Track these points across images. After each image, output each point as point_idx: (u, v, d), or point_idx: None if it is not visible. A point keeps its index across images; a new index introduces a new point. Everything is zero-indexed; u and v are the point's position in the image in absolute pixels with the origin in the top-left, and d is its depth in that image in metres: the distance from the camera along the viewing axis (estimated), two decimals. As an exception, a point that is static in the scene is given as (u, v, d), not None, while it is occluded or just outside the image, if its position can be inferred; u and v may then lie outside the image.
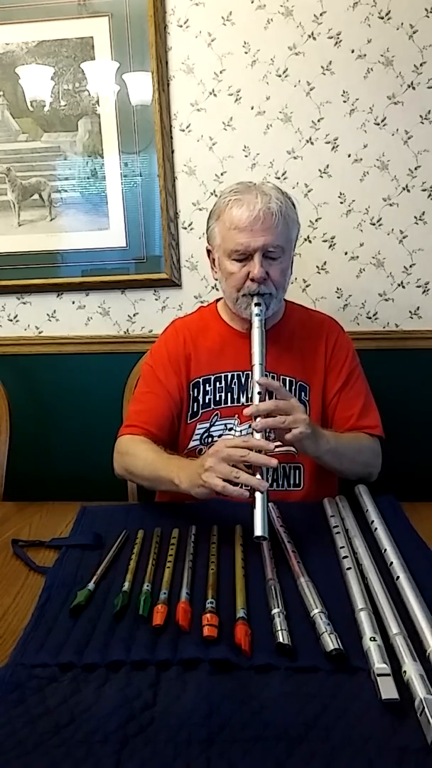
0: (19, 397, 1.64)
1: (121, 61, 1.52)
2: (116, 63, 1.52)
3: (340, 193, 1.56)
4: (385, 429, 1.23)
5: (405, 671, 0.65)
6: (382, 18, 1.46)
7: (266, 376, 1.05)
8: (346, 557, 0.90)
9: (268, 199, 1.09)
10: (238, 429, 1.20)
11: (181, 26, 1.50)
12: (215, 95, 1.53)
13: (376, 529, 0.99)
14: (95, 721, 0.61)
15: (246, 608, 0.78)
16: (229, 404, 1.21)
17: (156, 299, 1.67)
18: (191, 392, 1.22)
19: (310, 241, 1.59)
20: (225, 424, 1.21)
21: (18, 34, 1.53)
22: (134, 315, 1.68)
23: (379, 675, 0.64)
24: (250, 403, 1.00)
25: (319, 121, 1.52)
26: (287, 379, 1.22)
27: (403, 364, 1.63)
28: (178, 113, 1.55)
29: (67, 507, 1.15)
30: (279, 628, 0.73)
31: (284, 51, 1.49)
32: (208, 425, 1.21)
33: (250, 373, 1.16)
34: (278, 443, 1.00)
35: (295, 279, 1.60)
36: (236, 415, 1.20)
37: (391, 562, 0.88)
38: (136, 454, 1.13)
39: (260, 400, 0.99)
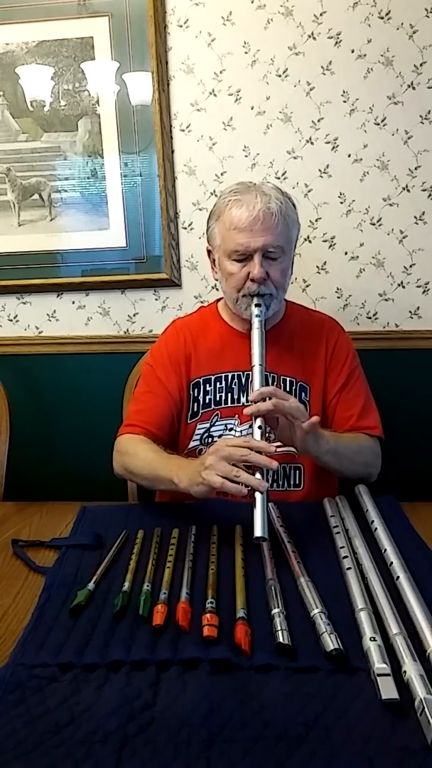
0: (19, 397, 1.64)
1: (121, 61, 1.52)
2: (116, 63, 1.52)
3: (340, 193, 1.56)
4: (385, 429, 1.23)
5: (405, 671, 0.65)
6: (382, 18, 1.46)
7: (266, 376, 1.05)
8: (346, 557, 0.90)
9: (268, 200, 1.09)
10: (238, 429, 1.20)
11: (181, 26, 1.50)
12: (215, 95, 1.53)
13: (376, 529, 0.99)
14: (95, 721, 0.61)
15: (246, 608, 0.78)
16: (229, 404, 1.21)
17: (156, 299, 1.67)
18: (191, 392, 1.22)
19: (310, 241, 1.59)
20: (225, 425, 1.21)
21: (18, 34, 1.53)
22: (134, 315, 1.68)
23: (379, 675, 0.64)
24: (250, 403, 1.00)
25: (319, 121, 1.53)
26: (287, 379, 1.22)
27: (403, 364, 1.63)
28: (178, 113, 1.55)
29: (67, 507, 1.15)
30: (279, 628, 0.73)
31: (284, 51, 1.49)
32: (208, 425, 1.21)
33: (250, 372, 1.16)
34: (278, 444, 1.00)
35: (295, 279, 1.60)
36: (236, 416, 1.20)
37: (391, 562, 0.88)
38: (136, 454, 1.13)
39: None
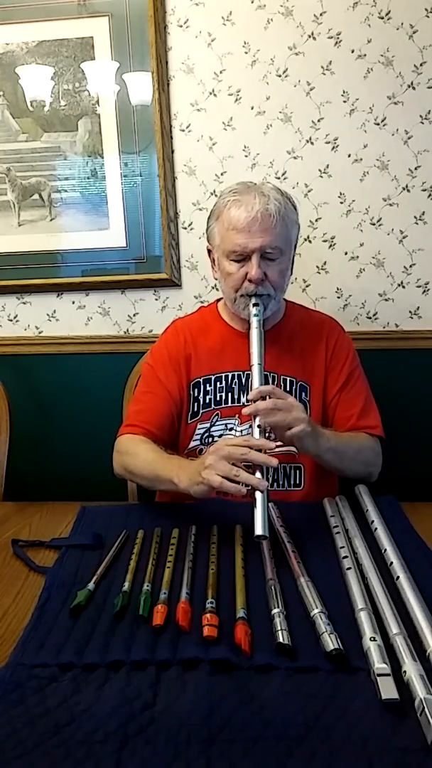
0: (19, 397, 1.64)
1: (121, 61, 1.52)
2: (116, 63, 1.52)
3: (340, 193, 1.56)
4: (385, 429, 1.23)
5: (405, 671, 0.65)
6: (382, 18, 1.46)
7: (265, 376, 1.05)
8: (346, 557, 0.90)
9: (267, 200, 1.09)
10: (238, 429, 1.20)
11: (181, 26, 1.50)
12: (215, 95, 1.53)
13: (376, 529, 0.99)
14: (95, 721, 0.61)
15: (246, 608, 0.78)
16: (229, 404, 1.21)
17: (156, 299, 1.67)
18: (191, 392, 1.22)
19: (310, 241, 1.59)
20: (225, 424, 1.21)
21: (18, 34, 1.53)
22: (134, 315, 1.68)
23: (379, 675, 0.64)
24: (250, 402, 1.00)
25: (319, 121, 1.52)
26: (287, 379, 1.22)
27: (403, 364, 1.63)
28: (178, 113, 1.55)
29: (67, 507, 1.15)
30: (279, 628, 0.73)
31: (284, 51, 1.49)
32: (208, 425, 1.21)
33: (250, 373, 1.16)
34: (278, 443, 1.00)
35: (295, 279, 1.60)
36: (237, 415, 1.20)
37: (391, 562, 0.88)
38: (136, 454, 1.13)
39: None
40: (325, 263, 1.61)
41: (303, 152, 1.54)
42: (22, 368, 1.72)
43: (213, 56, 1.51)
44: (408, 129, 1.51)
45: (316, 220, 1.58)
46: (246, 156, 1.56)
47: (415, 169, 1.53)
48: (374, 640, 0.69)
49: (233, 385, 1.21)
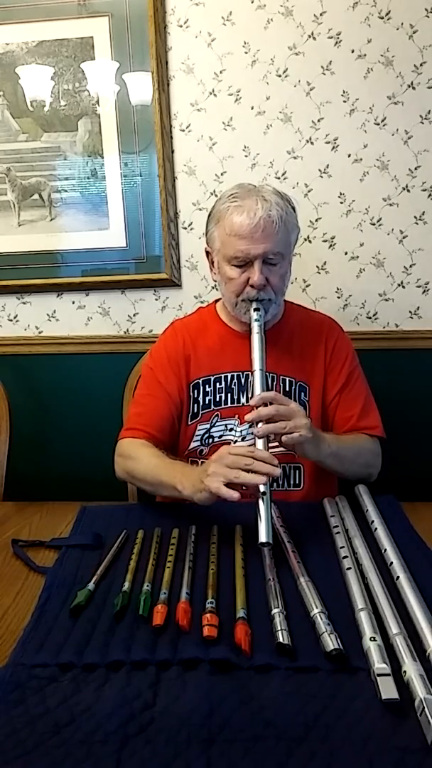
0: (19, 397, 1.64)
1: (121, 61, 1.52)
2: (116, 63, 1.52)
3: (340, 193, 1.56)
4: (385, 429, 1.23)
5: (405, 671, 0.65)
6: (382, 18, 1.46)
7: (266, 378, 1.05)
8: (346, 557, 0.90)
9: (269, 206, 1.09)
10: (238, 429, 1.20)
11: (181, 26, 1.50)
12: (215, 95, 1.53)
13: (376, 529, 0.99)
14: (95, 721, 0.61)
15: (246, 608, 0.78)
16: (229, 405, 1.21)
17: (156, 299, 1.67)
18: (191, 393, 1.22)
19: (310, 241, 1.59)
20: (225, 425, 1.21)
21: (18, 34, 1.53)
22: (134, 315, 1.68)
23: (379, 675, 0.64)
24: (251, 407, 1.00)
25: (319, 121, 1.52)
26: (287, 379, 1.22)
27: (403, 364, 1.63)
28: (178, 113, 1.55)
29: (67, 507, 1.15)
30: (279, 628, 0.73)
31: (284, 51, 1.49)
32: (208, 426, 1.21)
33: (249, 374, 1.16)
34: (281, 450, 1.00)
35: (295, 279, 1.60)
36: (236, 416, 1.20)
37: (391, 562, 0.88)
38: (138, 459, 1.13)
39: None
40: (325, 263, 1.61)
41: (303, 152, 1.54)
42: (22, 368, 1.72)
43: (213, 56, 1.51)
44: (408, 129, 1.51)
45: (316, 220, 1.58)
46: (246, 156, 1.56)
47: (415, 169, 1.53)
48: (374, 640, 0.69)
49: (233, 386, 1.21)
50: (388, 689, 0.62)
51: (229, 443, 1.19)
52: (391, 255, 1.59)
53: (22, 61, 1.55)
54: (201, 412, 1.22)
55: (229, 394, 1.21)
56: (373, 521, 1.01)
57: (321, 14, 1.47)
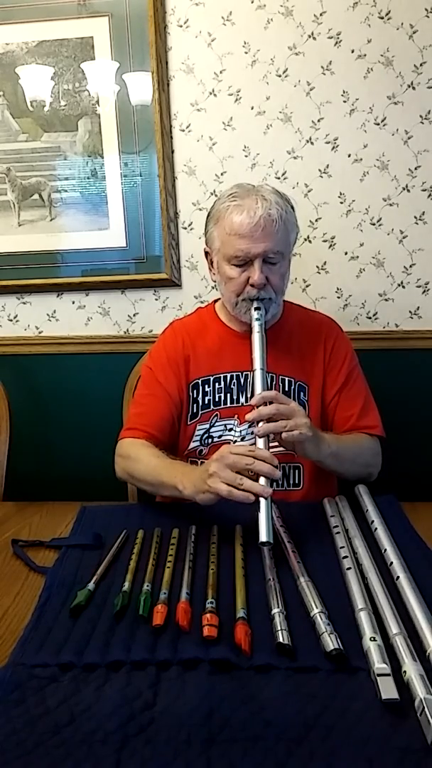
0: (19, 397, 1.64)
1: (121, 61, 1.52)
2: (116, 63, 1.52)
3: (340, 193, 1.56)
4: (385, 429, 1.23)
5: (405, 671, 0.65)
6: (382, 18, 1.46)
7: (267, 377, 1.05)
8: (346, 557, 0.90)
9: (269, 205, 1.09)
10: (237, 429, 1.20)
11: (181, 26, 1.50)
12: (215, 95, 1.53)
13: (376, 529, 0.99)
14: (95, 721, 0.61)
15: (246, 608, 0.78)
16: (228, 405, 1.21)
17: (156, 299, 1.67)
18: (190, 393, 1.22)
19: (310, 241, 1.59)
20: (225, 425, 1.21)
21: (18, 34, 1.53)
22: (134, 315, 1.68)
23: (379, 675, 0.64)
24: (251, 407, 1.00)
25: (319, 121, 1.52)
26: (286, 379, 1.22)
27: (403, 364, 1.63)
28: (178, 113, 1.55)
29: (67, 507, 1.15)
30: (279, 628, 0.73)
31: (284, 51, 1.49)
32: (207, 426, 1.21)
33: (249, 373, 1.16)
34: (281, 450, 1.00)
35: (295, 279, 1.60)
36: (236, 416, 1.20)
37: (391, 562, 0.88)
38: (139, 459, 1.13)
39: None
40: (325, 263, 1.61)
41: (303, 152, 1.54)
42: (22, 368, 1.72)
43: (213, 56, 1.51)
44: (408, 129, 1.51)
45: (316, 220, 1.58)
46: (246, 156, 1.56)
47: (415, 169, 1.53)
48: (374, 640, 0.69)
49: (232, 386, 1.21)
50: (388, 689, 0.62)
51: (228, 443, 1.19)
52: (391, 255, 1.59)
53: (22, 61, 1.55)
54: (200, 412, 1.22)
55: (228, 394, 1.21)
56: (373, 521, 1.01)
57: (321, 14, 1.47)
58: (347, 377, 1.23)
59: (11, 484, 1.45)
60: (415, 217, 1.56)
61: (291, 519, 1.04)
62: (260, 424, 0.97)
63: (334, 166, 1.55)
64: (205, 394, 1.22)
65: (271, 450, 0.96)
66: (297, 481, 1.21)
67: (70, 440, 1.76)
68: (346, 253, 1.60)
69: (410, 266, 1.59)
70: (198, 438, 1.22)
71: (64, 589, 0.85)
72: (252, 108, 1.53)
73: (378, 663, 0.66)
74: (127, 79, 1.53)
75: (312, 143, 1.54)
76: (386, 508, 1.06)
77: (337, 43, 1.48)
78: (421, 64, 1.48)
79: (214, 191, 1.57)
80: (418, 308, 1.62)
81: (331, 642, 0.69)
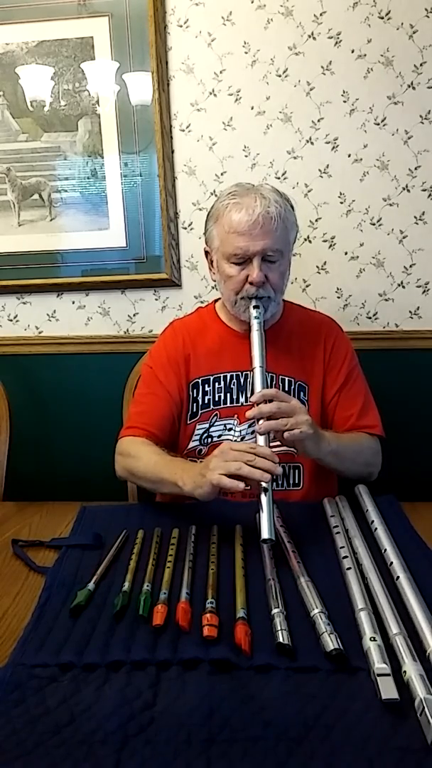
0: (19, 397, 1.64)
1: (121, 61, 1.52)
2: (116, 63, 1.52)
3: (340, 193, 1.56)
4: (385, 429, 1.23)
5: (405, 671, 0.65)
6: (382, 18, 1.46)
7: (266, 377, 1.05)
8: (346, 557, 0.90)
9: (268, 203, 1.09)
10: (237, 429, 1.20)
11: (181, 26, 1.50)
12: (215, 95, 1.53)
13: (376, 529, 0.99)
14: (95, 721, 0.61)
15: (246, 608, 0.78)
16: (228, 404, 1.21)
17: (156, 299, 1.67)
18: (190, 393, 1.22)
19: (310, 241, 1.59)
20: (224, 425, 1.21)
21: (18, 34, 1.53)
22: (134, 315, 1.68)
23: (379, 675, 0.64)
24: (250, 403, 1.00)
25: (319, 121, 1.52)
26: (286, 378, 1.22)
27: (403, 364, 1.63)
28: (178, 113, 1.55)
29: (67, 507, 1.15)
30: (279, 628, 0.73)
31: (284, 51, 1.49)
32: (207, 426, 1.21)
33: (249, 373, 1.16)
34: (282, 449, 1.00)
35: (295, 279, 1.60)
36: (236, 415, 1.20)
37: (391, 562, 0.88)
38: (139, 456, 1.13)
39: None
40: (325, 263, 1.61)
41: (303, 152, 1.54)
42: (22, 368, 1.72)
43: (213, 56, 1.51)
44: (408, 129, 1.51)
45: (316, 220, 1.58)
46: (246, 156, 1.56)
47: (415, 169, 1.53)
48: (374, 640, 0.69)
49: (232, 386, 1.21)
50: (388, 689, 0.62)
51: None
52: (391, 255, 1.59)
53: (22, 61, 1.55)
54: (200, 412, 1.22)
55: (228, 394, 1.21)
56: (373, 521, 1.01)
57: (321, 14, 1.47)
58: (347, 377, 1.23)
59: (11, 484, 1.45)
60: (415, 217, 1.56)
61: (291, 519, 1.04)
62: (261, 421, 0.97)
63: (334, 166, 1.55)
64: (204, 393, 1.22)
65: (272, 448, 0.96)
66: (297, 481, 1.21)
67: (70, 440, 1.76)
68: (346, 253, 1.60)
69: (410, 266, 1.59)
70: (197, 437, 1.22)
71: (64, 589, 0.85)
72: (252, 108, 1.53)
73: (378, 663, 0.66)
74: (127, 79, 1.53)
75: (312, 143, 1.54)
76: (386, 508, 1.06)
77: (337, 43, 1.48)
78: (421, 64, 1.48)
79: (214, 191, 1.57)
80: (418, 308, 1.62)
81: (331, 642, 0.69)
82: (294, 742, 0.58)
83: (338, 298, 1.62)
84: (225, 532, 0.99)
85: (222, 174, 1.57)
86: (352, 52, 1.48)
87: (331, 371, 1.24)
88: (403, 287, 1.61)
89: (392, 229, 1.57)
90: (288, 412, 0.97)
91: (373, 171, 1.54)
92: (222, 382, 1.22)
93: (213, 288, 1.63)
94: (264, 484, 0.90)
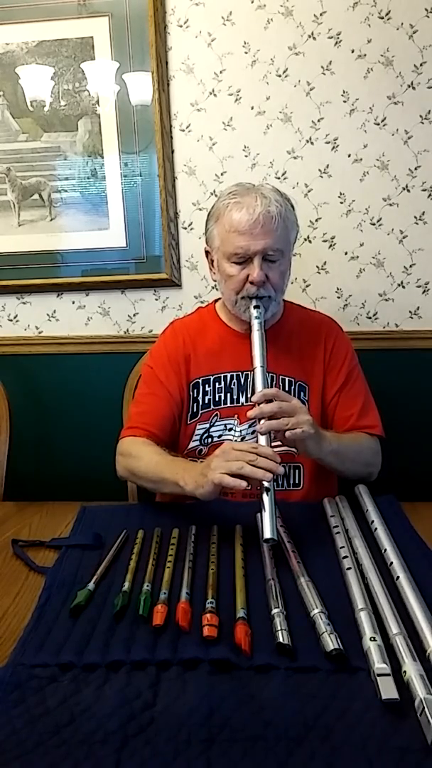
0: (19, 397, 1.64)
1: (121, 61, 1.52)
2: (116, 63, 1.52)
3: (340, 193, 1.56)
4: (385, 429, 1.23)
5: (405, 671, 0.65)
6: (382, 18, 1.46)
7: (267, 376, 1.05)
8: (346, 557, 0.90)
9: (268, 203, 1.09)
10: (237, 429, 1.20)
11: (181, 26, 1.50)
12: (215, 95, 1.53)
13: (376, 529, 0.99)
14: (95, 721, 0.61)
15: (246, 608, 0.78)
16: (228, 404, 1.21)
17: (156, 299, 1.67)
18: (191, 393, 1.22)
19: (310, 241, 1.59)
20: (225, 425, 1.21)
21: (18, 34, 1.53)
22: (134, 315, 1.68)
23: (379, 675, 0.64)
24: (250, 403, 1.00)
25: (319, 121, 1.52)
26: (286, 378, 1.22)
27: (403, 364, 1.63)
28: (178, 113, 1.55)
29: (67, 507, 1.15)
30: (279, 628, 0.73)
31: (284, 51, 1.49)
32: (207, 426, 1.21)
33: (249, 373, 1.16)
34: (283, 449, 1.00)
35: (295, 279, 1.60)
36: (236, 415, 1.20)
37: (391, 562, 0.88)
38: (140, 456, 1.13)
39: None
40: (325, 263, 1.61)
41: (303, 152, 1.54)
42: (22, 368, 1.72)
43: (213, 56, 1.51)
44: (408, 129, 1.51)
45: (316, 220, 1.58)
46: (246, 156, 1.56)
47: (415, 169, 1.53)
48: (374, 640, 0.69)
49: (232, 386, 1.21)
50: (388, 689, 0.62)
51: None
52: (391, 255, 1.59)
53: (22, 61, 1.55)
54: (200, 412, 1.22)
55: (228, 394, 1.21)
56: (373, 521, 1.01)
57: (321, 14, 1.47)
58: (347, 377, 1.23)
59: (11, 484, 1.44)
60: (415, 217, 1.56)
61: (291, 519, 1.04)
62: (262, 421, 0.97)
63: (334, 166, 1.55)
64: (205, 393, 1.22)
65: (273, 448, 0.96)
66: (297, 481, 1.21)
67: (70, 440, 1.76)
68: (346, 253, 1.60)
69: (410, 266, 1.59)
70: (198, 437, 1.22)
71: (64, 589, 0.85)
72: (252, 108, 1.53)
73: (378, 663, 0.66)
74: (127, 79, 1.53)
75: (312, 143, 1.54)
76: (386, 508, 1.06)
77: (337, 43, 1.48)
78: (421, 64, 1.48)
79: (214, 191, 1.57)
80: (418, 308, 1.62)
81: (331, 642, 0.69)
82: (294, 742, 0.58)
83: (338, 298, 1.62)
84: (225, 532, 0.99)
85: (222, 174, 1.57)
86: (352, 52, 1.48)
87: (332, 371, 1.24)
88: (403, 287, 1.61)
89: (392, 229, 1.57)
90: (289, 411, 0.97)
91: (373, 171, 1.54)
92: (222, 382, 1.22)
93: (213, 288, 1.63)
94: (266, 484, 0.90)
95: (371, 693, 0.63)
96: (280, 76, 1.51)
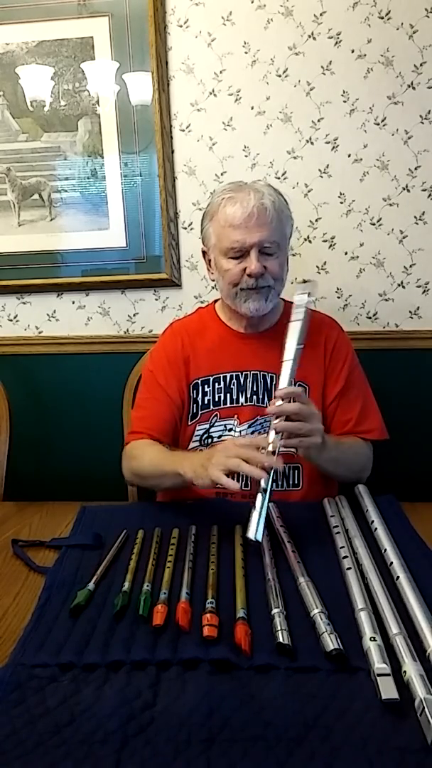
0: (19, 397, 1.64)
1: (121, 61, 1.52)
2: (116, 63, 1.52)
3: (340, 193, 1.56)
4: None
5: (405, 671, 0.65)
6: (382, 18, 1.46)
7: (264, 376, 1.05)
8: (346, 557, 0.90)
9: (261, 196, 1.10)
10: (237, 429, 1.20)
11: (181, 26, 1.50)
12: (215, 95, 1.53)
13: (376, 529, 0.99)
14: (95, 721, 0.61)
15: (246, 608, 0.78)
16: (228, 405, 1.21)
17: (156, 299, 1.67)
18: (191, 393, 1.22)
19: (310, 241, 1.59)
20: (224, 425, 1.21)
21: (18, 34, 1.53)
22: (134, 315, 1.68)
23: (379, 675, 0.64)
24: (274, 399, 0.99)
25: (319, 121, 1.52)
26: (287, 378, 1.21)
27: (403, 364, 1.63)
28: (178, 113, 1.55)
29: (67, 507, 1.15)
30: (279, 628, 0.73)
31: (284, 51, 1.49)
32: (207, 426, 1.21)
33: (249, 373, 1.16)
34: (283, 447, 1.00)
35: (295, 279, 1.59)
36: (236, 416, 1.20)
37: (391, 562, 0.88)
38: (143, 455, 1.14)
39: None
40: (325, 263, 1.61)
41: (303, 152, 1.54)
42: (22, 368, 1.72)
43: (213, 56, 1.51)
44: (408, 129, 1.51)
45: (316, 220, 1.58)
46: (246, 156, 1.56)
47: (415, 169, 1.53)
48: (374, 640, 0.69)
49: (232, 386, 1.21)
50: (388, 689, 0.62)
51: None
52: (391, 255, 1.59)
53: (22, 61, 1.55)
54: (200, 412, 1.22)
55: (228, 395, 1.21)
56: (373, 521, 1.01)
57: (321, 14, 1.47)
58: (347, 380, 1.23)
59: (11, 484, 1.45)
60: (415, 217, 1.56)
61: (291, 519, 1.04)
62: (278, 419, 0.97)
63: (334, 166, 1.55)
64: (204, 394, 1.22)
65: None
66: (296, 481, 1.21)
67: (70, 440, 1.76)
68: (346, 253, 1.60)
69: (410, 266, 1.59)
70: (198, 438, 1.22)
71: (64, 589, 0.85)
72: (252, 108, 1.53)
73: (378, 663, 0.66)
74: (127, 79, 1.53)
75: (312, 143, 1.54)
76: (386, 508, 1.06)
77: (337, 43, 1.48)
78: (421, 64, 1.48)
79: (214, 191, 1.57)
80: (418, 308, 1.61)
81: (331, 642, 0.69)
82: (294, 742, 0.58)
83: (338, 298, 1.62)
84: (225, 532, 0.99)
85: (222, 174, 1.57)
86: (352, 52, 1.48)
87: (332, 373, 1.23)
88: (403, 287, 1.60)
89: (392, 229, 1.57)
90: (307, 416, 0.97)
91: (373, 171, 1.54)
92: (222, 383, 1.22)
93: (213, 288, 1.63)
94: (263, 484, 0.91)
95: (371, 693, 0.63)
96: (280, 76, 1.51)
